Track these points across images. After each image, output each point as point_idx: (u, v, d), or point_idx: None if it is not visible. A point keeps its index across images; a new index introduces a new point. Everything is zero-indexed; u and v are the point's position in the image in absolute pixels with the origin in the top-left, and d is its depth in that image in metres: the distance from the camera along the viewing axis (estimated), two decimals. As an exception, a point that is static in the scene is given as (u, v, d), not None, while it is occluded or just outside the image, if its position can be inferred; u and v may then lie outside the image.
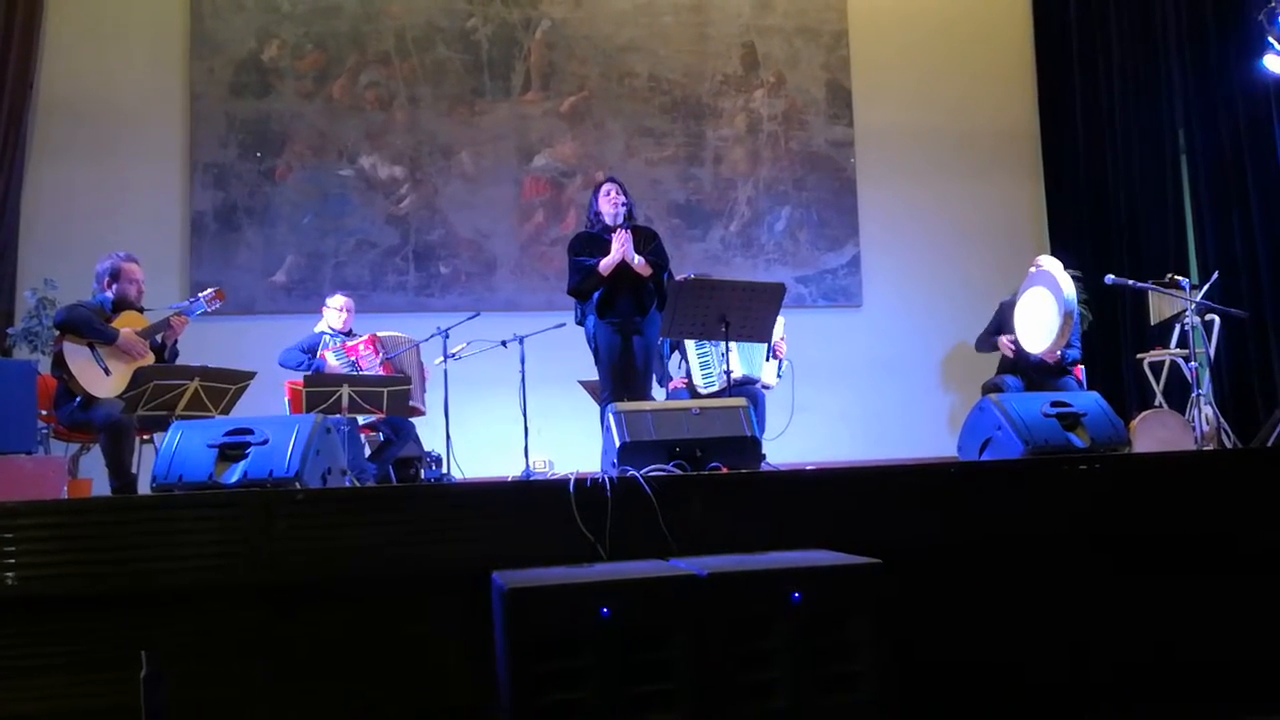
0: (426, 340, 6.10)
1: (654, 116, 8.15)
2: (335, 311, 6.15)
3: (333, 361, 5.92)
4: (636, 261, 5.10)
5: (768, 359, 5.81)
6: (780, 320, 5.46)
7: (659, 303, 5.16)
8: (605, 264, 5.08)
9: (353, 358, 5.95)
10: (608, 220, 5.23)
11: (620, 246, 5.06)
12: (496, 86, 7.94)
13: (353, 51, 7.77)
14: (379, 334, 6.12)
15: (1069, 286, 5.36)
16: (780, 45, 8.37)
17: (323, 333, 6.13)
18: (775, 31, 8.37)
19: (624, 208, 5.24)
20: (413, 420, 6.06)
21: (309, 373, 5.85)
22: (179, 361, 5.03)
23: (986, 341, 6.06)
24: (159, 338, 4.95)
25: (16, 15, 7.03)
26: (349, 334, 6.16)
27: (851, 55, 8.43)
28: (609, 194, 5.26)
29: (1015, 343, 5.73)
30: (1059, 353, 5.54)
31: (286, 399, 6.04)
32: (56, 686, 2.60)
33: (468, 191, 7.83)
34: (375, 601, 2.79)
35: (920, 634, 2.92)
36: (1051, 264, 5.82)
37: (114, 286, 4.94)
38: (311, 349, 6.01)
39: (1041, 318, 5.49)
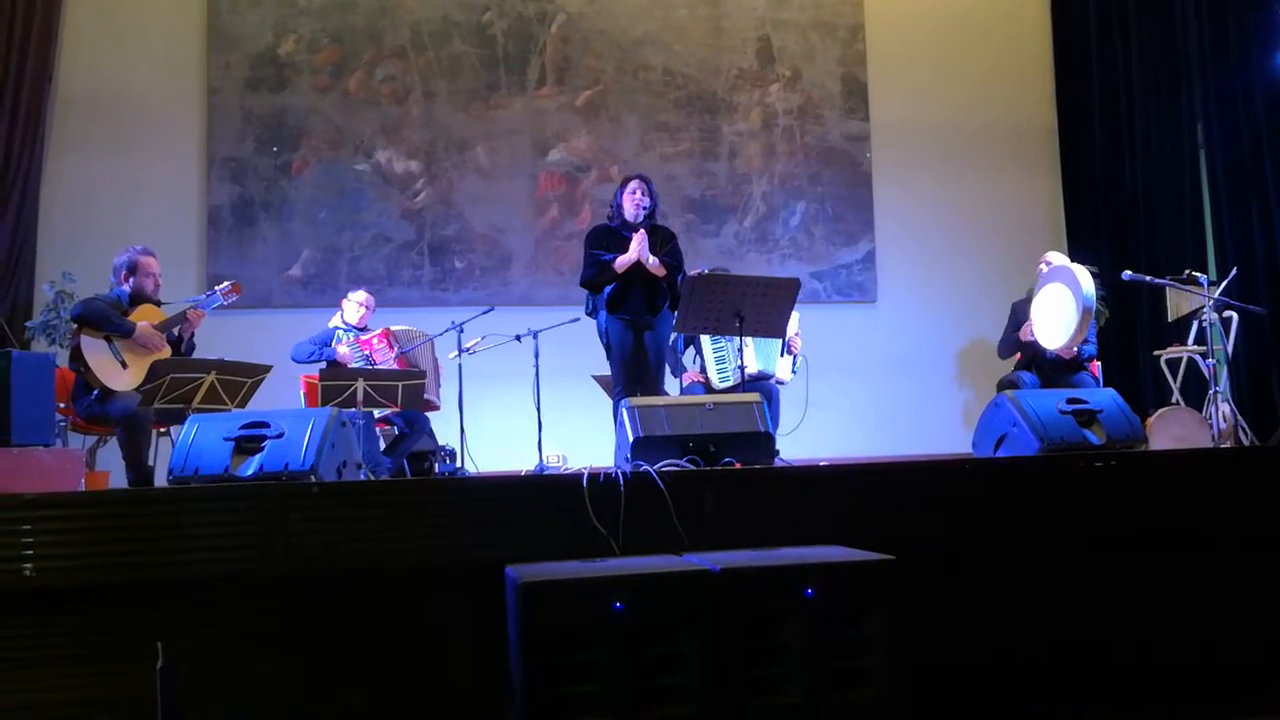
0: (441, 335, 6.11)
1: (669, 111, 8.14)
2: (355, 305, 6.16)
3: (344, 352, 5.93)
4: (651, 262, 5.10)
5: (782, 354, 5.80)
6: (795, 316, 5.45)
7: (671, 302, 5.16)
8: (621, 262, 5.09)
9: (366, 351, 5.96)
10: (628, 217, 5.24)
11: (638, 247, 5.07)
12: (512, 81, 7.95)
13: (369, 46, 7.79)
14: (392, 328, 6.13)
15: (1088, 282, 5.32)
16: (796, 39, 8.34)
17: (336, 328, 6.14)
18: (791, 25, 8.34)
19: (645, 210, 5.24)
20: (427, 414, 6.07)
21: (322, 363, 5.87)
22: (195, 355, 5.06)
23: (1008, 344, 5.99)
24: (175, 331, 4.98)
25: (36, 9, 7.07)
26: (363, 329, 6.17)
27: (867, 49, 8.39)
28: (634, 193, 5.26)
29: (1032, 334, 5.68)
30: (1075, 349, 5.51)
31: (302, 392, 6.06)
32: (73, 677, 2.62)
33: (483, 186, 7.84)
34: (389, 594, 2.80)
35: (934, 630, 2.91)
36: (1061, 259, 5.79)
37: (131, 280, 4.97)
38: (324, 342, 6.02)
39: (1059, 314, 5.45)
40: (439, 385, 6.24)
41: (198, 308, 5.06)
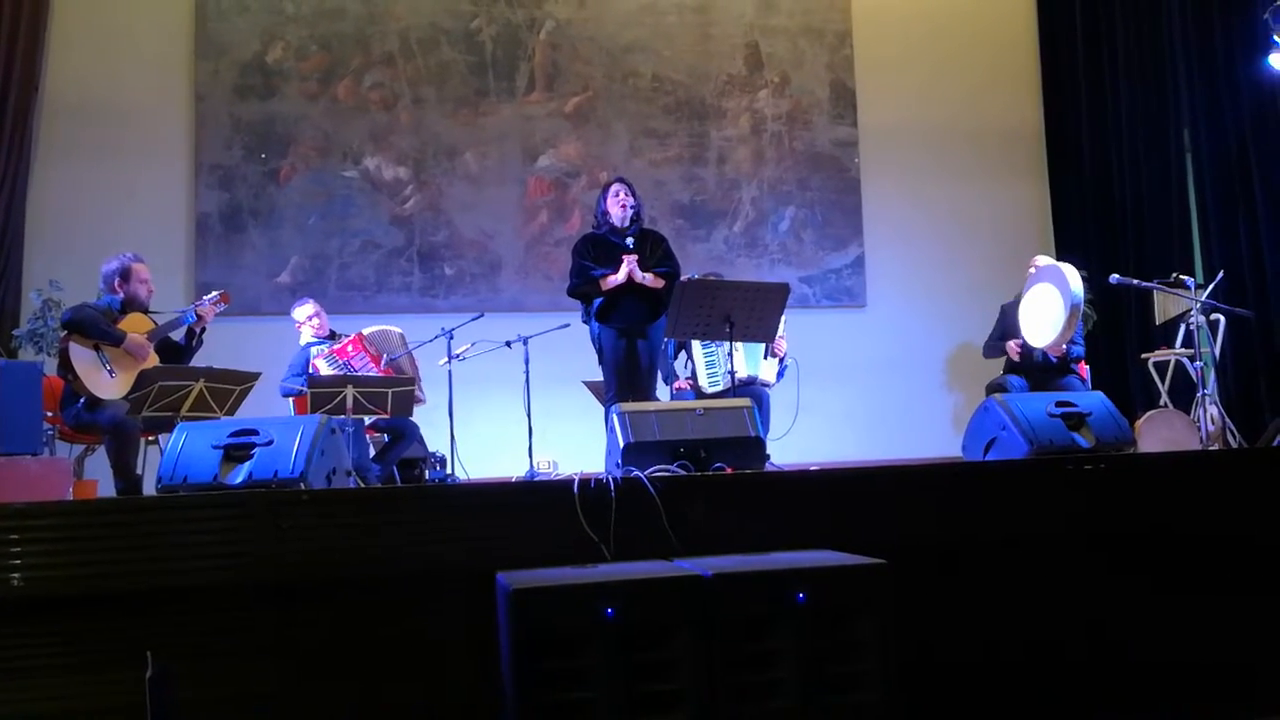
0: (431, 341, 6.10)
1: (658, 117, 8.15)
2: (308, 327, 6.14)
3: (326, 369, 5.89)
4: (648, 280, 5.09)
5: (766, 357, 5.80)
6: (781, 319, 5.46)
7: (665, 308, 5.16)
8: (609, 282, 5.08)
9: (343, 359, 5.92)
10: (615, 221, 5.24)
11: (627, 270, 5.05)
12: (500, 87, 7.95)
13: (357, 53, 7.78)
14: (364, 331, 6.08)
15: (1076, 281, 5.35)
16: (784, 45, 8.37)
17: (309, 344, 6.09)
18: (779, 32, 8.37)
19: (632, 210, 5.24)
20: (416, 421, 6.05)
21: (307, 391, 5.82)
22: (196, 357, 5.08)
23: (994, 347, 6.05)
24: (182, 333, 5.00)
25: (22, 17, 7.05)
26: (332, 336, 6.14)
27: (855, 55, 8.42)
28: (617, 195, 5.26)
29: (1022, 345, 5.72)
30: (1063, 348, 5.53)
31: (291, 400, 6.04)
32: (62, 687, 2.61)
33: (472, 192, 7.84)
34: (379, 602, 2.79)
35: (925, 635, 2.91)
36: (1049, 261, 5.82)
37: (125, 287, 4.96)
38: (302, 369, 5.96)
39: (1047, 312, 5.48)
40: (419, 379, 6.20)
41: (178, 326, 5.06)
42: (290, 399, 6.02)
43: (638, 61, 8.15)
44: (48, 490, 4.62)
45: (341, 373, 5.82)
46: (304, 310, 6.20)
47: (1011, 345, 5.82)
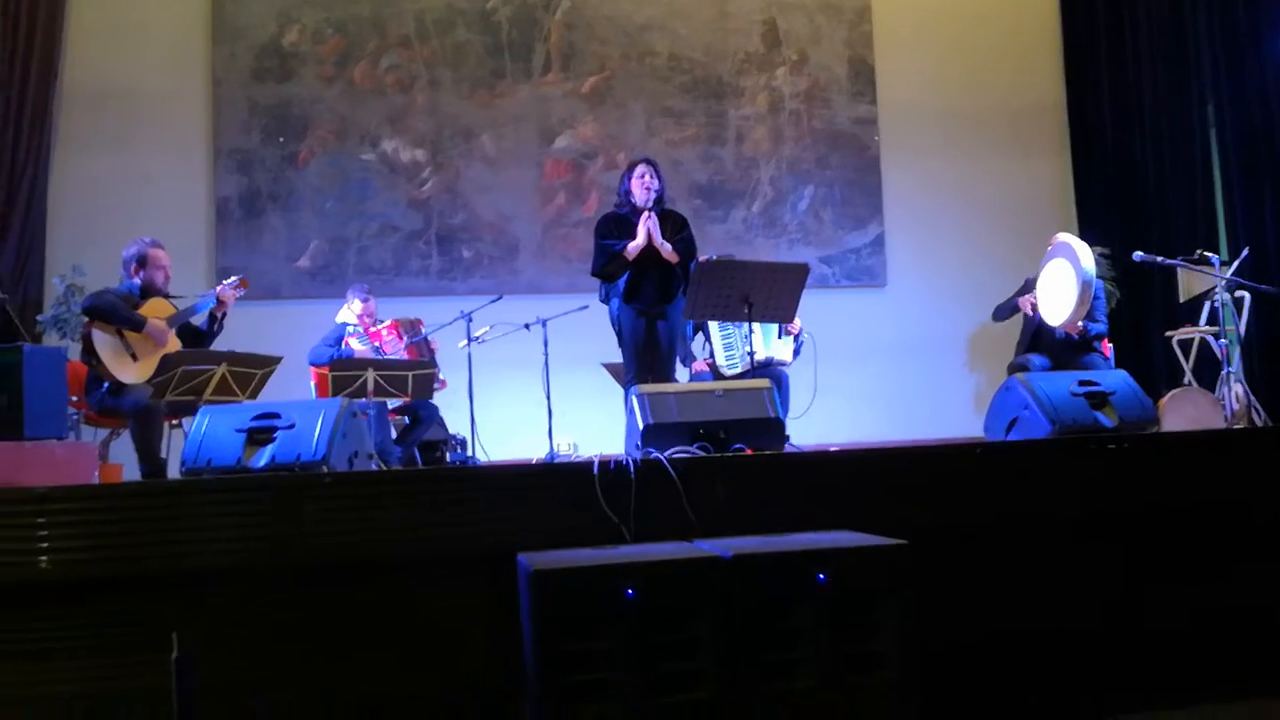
0: (450, 324, 6.12)
1: (675, 96, 8.11)
2: (359, 306, 6.17)
3: (358, 347, 5.95)
4: (666, 249, 5.08)
5: (780, 336, 5.78)
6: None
7: (684, 288, 5.14)
8: (632, 248, 5.07)
9: (376, 343, 5.98)
10: (638, 202, 5.21)
11: (645, 230, 5.04)
12: (517, 68, 7.93)
13: (373, 35, 7.77)
14: (400, 320, 6.14)
15: (1087, 257, 5.28)
16: (802, 22, 8.29)
17: (345, 322, 6.15)
18: (797, 8, 8.29)
19: (655, 192, 5.21)
20: (436, 404, 6.08)
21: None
22: (217, 341, 5.11)
23: (1005, 308, 5.94)
24: (205, 319, 5.02)
25: (40, 6, 7.08)
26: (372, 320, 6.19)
27: (874, 31, 8.34)
28: (642, 176, 5.23)
29: (1034, 307, 5.63)
30: (1081, 325, 5.47)
31: (313, 383, 6.08)
32: (87, 668, 2.64)
33: (489, 174, 7.83)
34: (401, 584, 2.81)
35: (946, 614, 2.91)
36: (1069, 239, 5.76)
37: (141, 273, 4.99)
38: (337, 340, 6.03)
39: (1060, 290, 5.43)
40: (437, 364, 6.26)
41: (198, 311, 5.08)
42: (312, 376, 6.05)
43: (654, 40, 8.10)
44: (73, 474, 4.65)
45: (368, 354, 5.87)
46: (356, 305, 6.22)
47: (1025, 299, 5.70)
